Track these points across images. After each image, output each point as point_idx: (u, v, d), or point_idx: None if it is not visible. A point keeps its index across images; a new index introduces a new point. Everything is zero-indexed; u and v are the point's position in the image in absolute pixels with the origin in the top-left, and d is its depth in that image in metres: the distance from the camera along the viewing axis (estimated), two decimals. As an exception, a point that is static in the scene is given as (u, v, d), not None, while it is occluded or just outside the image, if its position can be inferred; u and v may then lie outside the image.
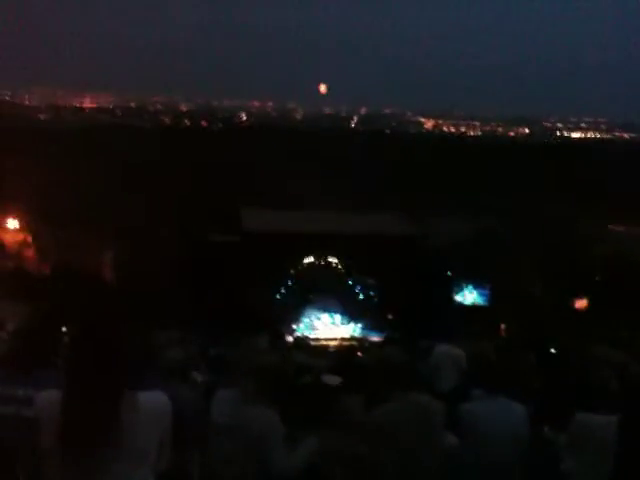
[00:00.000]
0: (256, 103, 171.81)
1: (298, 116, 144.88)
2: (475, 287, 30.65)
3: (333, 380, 7.37)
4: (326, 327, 29.14)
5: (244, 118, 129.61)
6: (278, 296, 29.19)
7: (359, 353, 10.31)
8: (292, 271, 29.43)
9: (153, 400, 2.58)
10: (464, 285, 30.73)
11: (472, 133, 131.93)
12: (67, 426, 2.38)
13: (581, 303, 30.86)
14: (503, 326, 26.33)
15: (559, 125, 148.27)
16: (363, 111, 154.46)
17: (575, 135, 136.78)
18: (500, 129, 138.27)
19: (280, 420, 4.04)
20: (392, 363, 4.57)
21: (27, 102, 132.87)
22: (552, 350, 9.27)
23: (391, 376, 4.41)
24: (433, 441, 4.24)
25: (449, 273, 30.99)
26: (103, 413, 2.39)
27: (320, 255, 29.48)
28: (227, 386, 4.40)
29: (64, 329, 3.85)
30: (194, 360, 7.80)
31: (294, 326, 28.55)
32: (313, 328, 28.85)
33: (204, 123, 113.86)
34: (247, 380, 4.17)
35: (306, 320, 29.15)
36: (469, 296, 30.66)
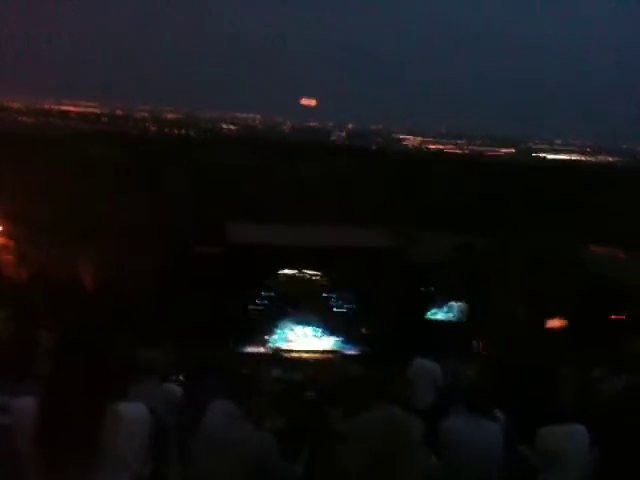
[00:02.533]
0: (243, 115, 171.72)
1: (285, 129, 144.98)
2: (452, 303, 30.74)
3: (309, 394, 7.40)
4: (299, 339, 29.09)
5: (230, 129, 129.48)
6: (255, 307, 29.14)
7: (332, 366, 10.34)
8: (271, 283, 29.41)
9: (134, 412, 2.58)
10: (442, 301, 30.82)
11: (458, 152, 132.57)
12: (45, 434, 2.37)
13: (558, 322, 31.04)
14: (479, 343, 26.43)
15: (545, 147, 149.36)
16: (350, 126, 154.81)
17: (560, 157, 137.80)
18: (486, 148, 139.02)
19: (275, 441, 4.04)
20: (366, 376, 4.62)
21: (12, 106, 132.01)
22: (526, 367, 9.33)
23: (366, 389, 4.44)
24: (408, 454, 4.27)
25: (432, 289, 31.09)
26: (83, 421, 2.39)
27: (299, 268, 29.47)
28: (214, 400, 4.39)
29: (41, 336, 3.84)
30: (174, 368, 7.80)
31: (267, 337, 28.49)
32: (286, 340, 28.79)
33: (190, 133, 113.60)
34: (243, 397, 4.16)
35: (279, 332, 29.09)
36: (446, 312, 30.75)
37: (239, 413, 4.05)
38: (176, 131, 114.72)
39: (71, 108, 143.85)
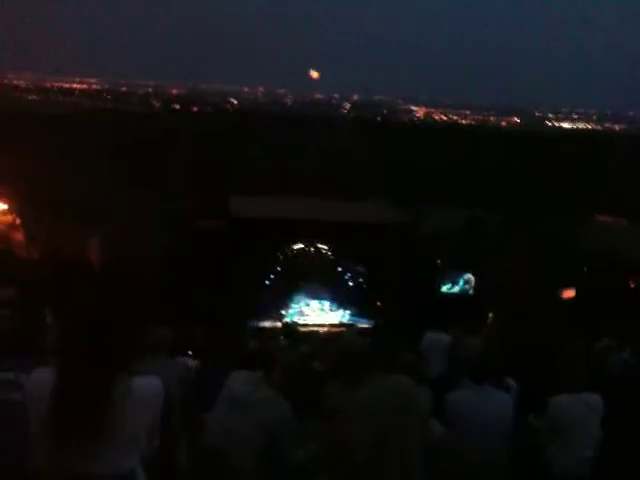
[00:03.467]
0: (246, 89, 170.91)
1: (288, 101, 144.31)
2: (462, 276, 30.74)
3: (317, 365, 7.43)
4: (315, 314, 29.17)
5: (234, 103, 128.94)
6: (267, 282, 29.18)
7: (347, 339, 10.36)
8: (281, 257, 29.41)
9: (146, 385, 2.57)
10: (452, 274, 30.83)
11: (463, 122, 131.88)
12: (57, 410, 2.37)
13: (566, 294, 31.03)
14: (490, 315, 26.45)
15: (550, 115, 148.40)
16: (354, 98, 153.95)
17: (565, 125, 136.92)
18: (491, 118, 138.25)
19: (291, 409, 4.07)
20: (364, 348, 4.61)
21: (16, 84, 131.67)
22: (536, 340, 9.37)
23: (363, 360, 4.43)
24: (412, 425, 4.27)
25: (438, 261, 31.07)
26: (94, 398, 2.39)
27: (309, 242, 29.46)
28: (221, 370, 4.40)
29: (51, 314, 3.84)
30: (184, 344, 7.83)
31: (283, 312, 28.58)
32: (302, 314, 28.87)
33: (194, 108, 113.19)
34: (257, 366, 4.18)
35: (295, 306, 29.16)
36: (456, 285, 30.77)
37: (257, 379, 4.08)
38: (179, 106, 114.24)
39: (74, 85, 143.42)
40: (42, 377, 2.47)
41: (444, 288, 30.39)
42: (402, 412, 4.20)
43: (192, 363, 6.66)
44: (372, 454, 4.08)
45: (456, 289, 30.47)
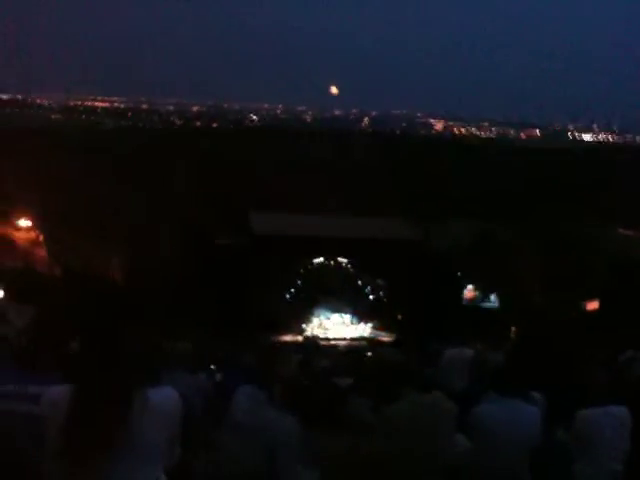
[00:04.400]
0: (266, 105, 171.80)
1: (308, 118, 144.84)
2: (483, 290, 30.59)
3: (343, 381, 7.35)
4: (336, 327, 29.14)
5: (254, 119, 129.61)
6: (288, 296, 29.23)
7: (369, 353, 10.29)
8: (302, 271, 29.46)
9: (164, 397, 2.56)
10: (473, 288, 30.68)
11: (483, 135, 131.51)
12: (76, 424, 2.36)
13: (588, 305, 30.74)
14: (512, 328, 26.26)
15: (570, 127, 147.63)
16: (373, 113, 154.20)
17: (586, 138, 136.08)
18: (511, 131, 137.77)
19: (297, 427, 4.01)
20: (402, 363, 4.57)
21: (40, 102, 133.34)
22: (559, 351, 9.24)
23: (401, 376, 4.39)
24: (443, 441, 4.22)
25: (458, 274, 30.97)
26: (113, 412, 2.37)
27: (330, 256, 29.49)
28: (242, 385, 4.37)
29: (71, 329, 3.84)
30: (205, 359, 7.82)
31: (304, 326, 28.58)
32: (323, 328, 28.85)
33: (214, 124, 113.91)
34: (267, 383, 4.14)
35: (316, 320, 29.16)
36: (478, 298, 30.62)
37: (263, 397, 4.03)
38: (199, 123, 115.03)
39: (97, 103, 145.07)
40: (61, 391, 2.46)
41: (465, 302, 30.28)
42: (436, 428, 4.16)
43: (215, 377, 6.65)
44: (405, 470, 4.03)
45: (478, 302, 30.34)
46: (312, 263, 29.49)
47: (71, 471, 2.37)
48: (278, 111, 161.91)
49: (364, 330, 29.27)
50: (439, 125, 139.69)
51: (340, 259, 29.60)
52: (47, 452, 2.47)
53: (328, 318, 29.34)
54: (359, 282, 30.02)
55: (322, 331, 28.14)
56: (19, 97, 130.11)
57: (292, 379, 4.45)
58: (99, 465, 2.36)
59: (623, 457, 4.67)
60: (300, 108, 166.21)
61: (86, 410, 2.36)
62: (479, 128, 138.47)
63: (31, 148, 51.69)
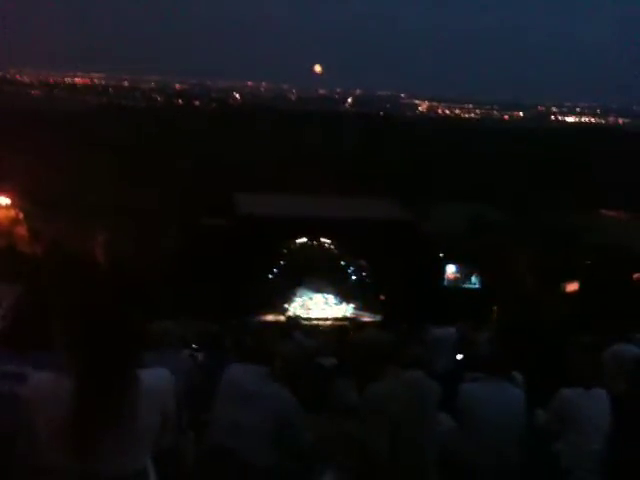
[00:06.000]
0: (249, 84, 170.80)
1: (292, 97, 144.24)
2: (467, 270, 30.72)
3: (328, 361, 7.39)
4: (319, 307, 29.20)
5: (238, 98, 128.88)
6: (271, 276, 29.21)
7: (352, 333, 10.34)
8: (285, 252, 29.44)
9: (155, 377, 2.54)
10: (456, 268, 30.81)
11: (467, 116, 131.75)
12: (68, 408, 2.34)
13: (570, 288, 30.96)
14: (495, 309, 26.46)
15: (554, 109, 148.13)
16: (357, 93, 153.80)
17: (569, 119, 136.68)
18: (495, 112, 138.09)
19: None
20: (385, 343, 4.59)
21: (20, 79, 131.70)
22: (540, 333, 9.34)
23: (384, 356, 4.42)
24: (427, 419, 4.25)
25: (441, 255, 31.03)
26: (104, 393, 2.36)
27: (313, 236, 29.48)
28: (229, 363, 4.39)
29: (56, 310, 3.81)
30: (191, 338, 7.82)
31: (287, 306, 28.61)
32: (306, 308, 28.89)
33: (197, 103, 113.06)
34: (263, 360, 4.19)
35: (299, 300, 29.20)
36: (461, 279, 30.75)
37: (262, 373, 4.08)
38: (182, 101, 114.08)
39: (78, 80, 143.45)
40: (47, 376, 2.44)
41: (448, 283, 30.40)
42: (420, 406, 4.19)
43: (197, 356, 6.64)
44: (389, 448, 4.06)
45: (460, 283, 30.47)
46: (295, 243, 29.43)
47: (61, 454, 2.35)
48: (262, 89, 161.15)
49: (347, 310, 29.32)
50: (423, 106, 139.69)
51: (323, 239, 29.57)
52: (27, 434, 2.45)
53: (311, 298, 29.35)
54: (342, 262, 30.02)
55: (305, 311, 28.14)
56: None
57: (290, 357, 4.48)
58: (93, 449, 2.34)
59: (601, 438, 4.74)
60: (284, 86, 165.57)
61: (79, 393, 2.34)
62: (463, 109, 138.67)
63: (11, 125, 51.05)
